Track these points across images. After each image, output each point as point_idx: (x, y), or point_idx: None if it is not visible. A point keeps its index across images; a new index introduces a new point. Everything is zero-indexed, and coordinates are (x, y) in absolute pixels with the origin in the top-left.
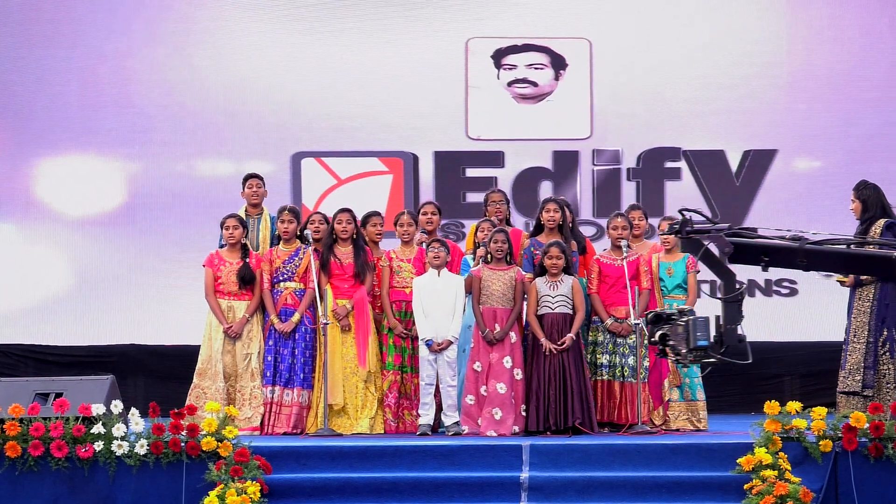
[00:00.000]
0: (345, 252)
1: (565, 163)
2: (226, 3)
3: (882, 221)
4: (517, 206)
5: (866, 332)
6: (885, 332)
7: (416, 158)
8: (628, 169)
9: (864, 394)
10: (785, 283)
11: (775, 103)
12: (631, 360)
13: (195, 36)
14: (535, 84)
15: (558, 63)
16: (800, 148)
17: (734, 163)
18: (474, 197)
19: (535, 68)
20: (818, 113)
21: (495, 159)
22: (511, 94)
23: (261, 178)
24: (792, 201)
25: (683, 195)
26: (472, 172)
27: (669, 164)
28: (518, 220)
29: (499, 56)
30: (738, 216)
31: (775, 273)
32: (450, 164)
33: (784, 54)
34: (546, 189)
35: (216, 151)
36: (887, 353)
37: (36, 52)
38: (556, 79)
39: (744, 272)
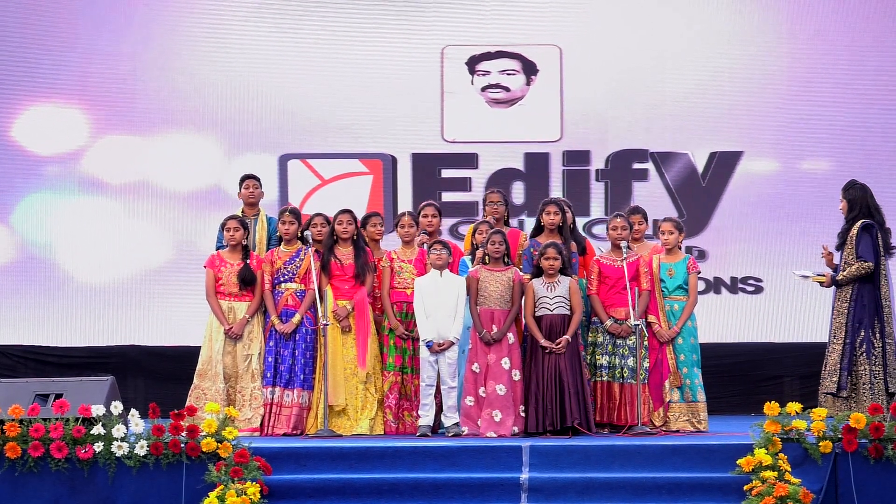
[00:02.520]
0: (345, 253)
1: (537, 164)
2: (215, 10)
3: (860, 222)
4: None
5: (843, 333)
6: (862, 333)
7: (394, 160)
8: (597, 170)
9: (841, 395)
10: (751, 282)
11: (741, 106)
12: (630, 362)
13: (186, 41)
14: (507, 89)
15: (530, 69)
16: (765, 149)
17: (700, 164)
18: (449, 196)
19: (508, 74)
20: (782, 115)
21: (469, 161)
22: (485, 98)
23: (257, 179)
24: (757, 201)
25: (650, 195)
26: (447, 173)
27: (637, 166)
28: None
29: (473, 63)
30: (704, 216)
31: (741, 270)
32: (426, 165)
33: (748, 58)
34: (518, 189)
35: (207, 153)
36: (863, 355)
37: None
38: (528, 84)
39: (709, 270)
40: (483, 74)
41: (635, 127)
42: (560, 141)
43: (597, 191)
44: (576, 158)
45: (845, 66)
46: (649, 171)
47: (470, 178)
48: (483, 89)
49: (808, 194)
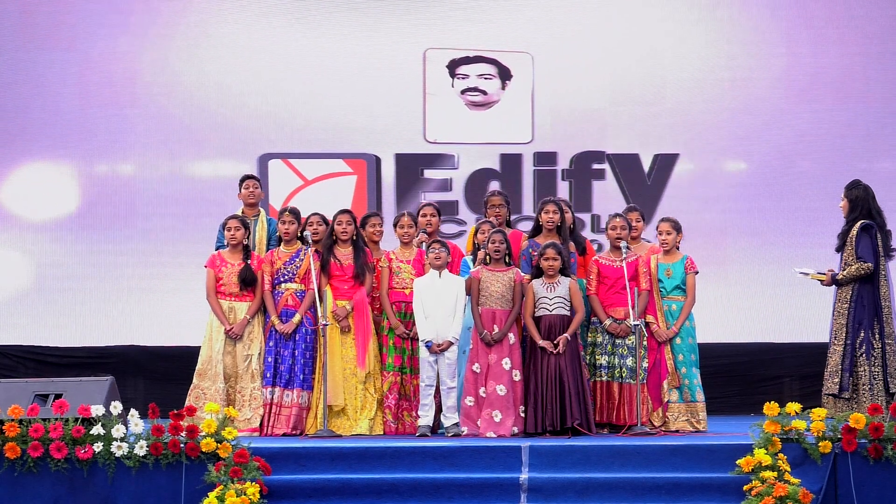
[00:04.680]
0: (345, 253)
1: (511, 164)
2: (200, 10)
3: (859, 223)
4: (470, 205)
5: (844, 334)
6: (862, 334)
7: (378, 160)
8: (563, 170)
9: (843, 396)
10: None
11: (677, 111)
12: (630, 362)
13: (171, 40)
14: (484, 93)
15: (505, 74)
16: (698, 152)
17: (646, 165)
18: (431, 196)
19: (485, 78)
20: (713, 120)
21: (450, 161)
22: (464, 101)
23: (257, 179)
24: (691, 199)
25: (607, 194)
26: (429, 174)
27: (596, 166)
28: (470, 217)
29: (453, 66)
30: (649, 212)
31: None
32: (409, 165)
33: (689, 69)
34: (495, 188)
35: (223, 152)
36: (863, 356)
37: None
38: (503, 88)
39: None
40: (462, 78)
41: (596, 130)
42: (531, 143)
43: (562, 190)
44: (544, 159)
45: (778, 69)
46: (606, 170)
47: (451, 179)
48: (462, 92)
49: (740, 193)
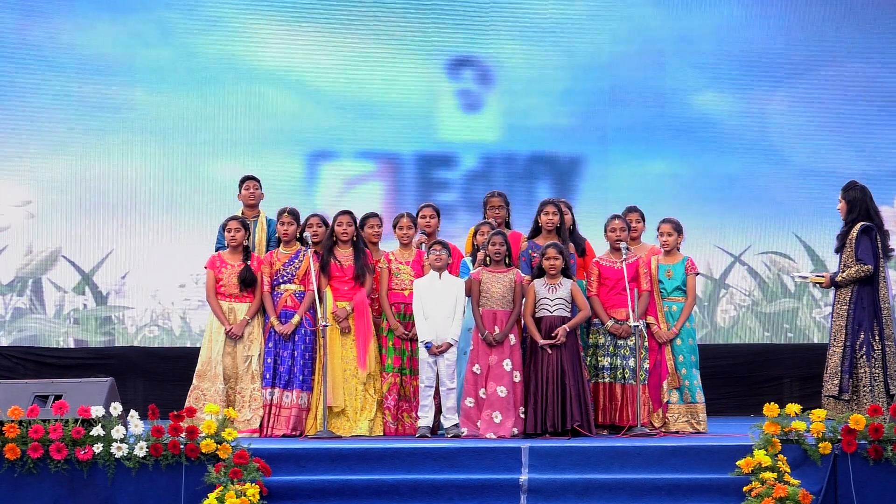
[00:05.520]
0: (345, 254)
1: (494, 165)
2: (234, 11)
3: (859, 225)
4: (466, 205)
5: (843, 336)
6: (862, 336)
7: (400, 161)
8: (521, 171)
9: (843, 398)
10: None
11: (587, 115)
12: (631, 363)
13: (205, 39)
14: (476, 95)
15: (490, 77)
16: (691, 152)
17: (568, 165)
18: (441, 196)
19: (477, 81)
20: (697, 121)
21: (454, 161)
22: (461, 102)
23: (257, 180)
24: (599, 197)
25: (553, 193)
26: (438, 173)
27: (540, 167)
28: (464, 219)
29: (453, 68)
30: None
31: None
32: (423, 166)
33: (664, 71)
34: (480, 189)
35: (221, 153)
36: (863, 357)
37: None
38: (489, 91)
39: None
40: (460, 80)
41: (547, 133)
42: (506, 144)
43: (521, 189)
44: (510, 160)
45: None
46: (548, 171)
47: (453, 179)
48: (460, 94)
49: (636, 192)
